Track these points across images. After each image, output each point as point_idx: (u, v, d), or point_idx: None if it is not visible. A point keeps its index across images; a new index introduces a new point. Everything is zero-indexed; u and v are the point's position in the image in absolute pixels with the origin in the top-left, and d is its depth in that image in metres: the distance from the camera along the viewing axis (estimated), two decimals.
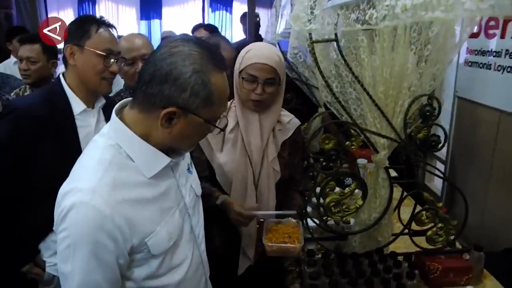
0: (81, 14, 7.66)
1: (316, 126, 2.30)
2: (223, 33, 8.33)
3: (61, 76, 1.84)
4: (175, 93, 1.06)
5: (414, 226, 1.87)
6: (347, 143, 2.30)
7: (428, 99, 1.69)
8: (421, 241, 1.87)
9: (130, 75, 2.24)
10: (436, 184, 3.48)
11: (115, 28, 1.89)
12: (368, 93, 1.57)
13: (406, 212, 1.89)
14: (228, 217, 1.81)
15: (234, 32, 8.74)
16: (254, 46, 1.86)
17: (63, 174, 1.13)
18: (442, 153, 3.19)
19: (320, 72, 1.57)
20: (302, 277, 1.79)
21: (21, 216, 1.76)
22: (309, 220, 1.85)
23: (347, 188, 1.81)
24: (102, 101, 1.90)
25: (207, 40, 2.70)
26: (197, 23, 4.33)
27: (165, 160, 1.16)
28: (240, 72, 1.82)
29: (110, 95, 2.17)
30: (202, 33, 3.98)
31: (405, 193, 1.86)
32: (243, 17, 6.04)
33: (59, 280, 1.11)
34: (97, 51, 1.76)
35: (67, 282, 1.07)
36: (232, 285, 1.96)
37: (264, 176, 1.91)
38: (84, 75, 1.78)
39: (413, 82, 1.61)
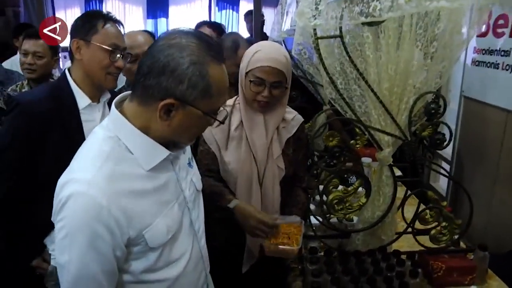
0: None
1: (321, 124, 2.29)
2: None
3: (66, 71, 1.84)
4: (173, 85, 1.06)
5: (418, 225, 1.86)
6: (352, 141, 2.30)
7: (434, 96, 1.67)
8: (425, 240, 1.86)
9: (132, 72, 2.24)
10: (441, 184, 3.46)
11: (122, 24, 1.89)
12: (372, 90, 1.56)
13: (410, 211, 1.88)
14: (240, 223, 1.77)
15: (241, 31, 8.73)
16: (262, 46, 1.82)
17: None
18: (448, 153, 3.18)
19: (325, 68, 1.56)
20: (305, 274, 1.78)
21: (28, 212, 1.76)
22: (312, 218, 1.84)
23: (350, 186, 1.80)
24: (107, 96, 1.90)
25: (225, 37, 2.71)
26: (198, 18, 4.32)
27: (164, 153, 1.16)
28: (247, 73, 1.80)
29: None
30: (206, 31, 3.97)
31: (409, 192, 1.85)
32: (247, 15, 6.04)
33: None
34: (103, 46, 1.76)
35: (64, 272, 1.07)
36: (234, 282, 1.95)
37: (269, 173, 1.90)
38: (90, 69, 1.79)
39: (419, 79, 1.59)
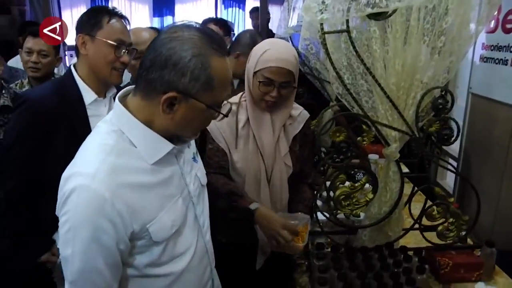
0: None
1: (328, 119, 2.28)
2: (235, 30, 8.33)
3: (72, 67, 1.85)
4: (175, 78, 1.05)
5: (425, 222, 1.85)
6: (359, 138, 2.29)
7: (441, 91, 1.66)
8: (432, 236, 1.85)
9: (137, 69, 2.25)
10: (448, 181, 3.45)
11: (127, 20, 1.89)
12: (379, 85, 1.56)
13: (417, 207, 1.88)
14: (261, 225, 1.74)
15: (247, 28, 8.74)
16: (271, 45, 1.79)
17: None
18: (455, 150, 3.16)
19: (332, 63, 1.56)
20: (311, 270, 1.78)
21: (36, 207, 1.77)
22: (319, 214, 1.83)
23: (357, 182, 1.79)
24: (113, 91, 1.90)
25: (242, 34, 2.71)
26: (205, 16, 4.32)
27: (167, 146, 1.15)
28: (255, 73, 1.78)
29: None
30: (212, 28, 3.97)
31: (416, 188, 1.84)
32: (253, 12, 6.03)
33: None
34: (108, 41, 1.76)
35: (67, 266, 1.07)
36: (241, 278, 1.95)
37: (277, 171, 1.90)
38: (95, 65, 1.79)
39: (426, 74, 1.58)
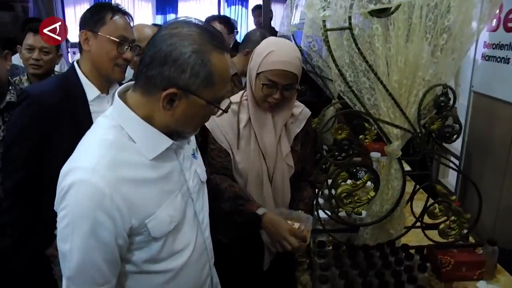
0: None
1: (330, 117, 2.28)
2: (238, 28, 8.33)
3: (75, 63, 1.85)
4: (175, 74, 1.05)
5: (426, 220, 1.85)
6: (361, 136, 2.29)
7: (443, 88, 1.66)
8: (434, 235, 1.85)
9: None
10: (450, 180, 3.45)
11: (131, 16, 1.89)
12: (382, 83, 1.55)
13: (418, 206, 1.87)
14: (267, 230, 1.74)
15: (250, 26, 8.73)
16: (275, 46, 1.76)
17: None
18: (457, 148, 3.16)
19: (334, 60, 1.55)
20: (313, 268, 1.78)
21: (39, 202, 1.78)
22: (320, 212, 1.83)
23: (359, 180, 1.79)
24: (116, 87, 1.90)
25: (253, 32, 2.70)
26: (208, 14, 4.29)
27: (167, 142, 1.16)
28: (258, 74, 1.76)
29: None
30: (216, 26, 3.96)
31: (417, 186, 1.84)
32: (255, 9, 6.02)
33: None
34: (111, 38, 1.76)
35: (66, 261, 1.07)
36: (243, 278, 1.95)
37: (279, 171, 1.89)
38: (98, 61, 1.79)
39: (428, 72, 1.58)
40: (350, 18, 1.43)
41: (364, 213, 1.91)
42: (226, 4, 9.03)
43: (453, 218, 1.81)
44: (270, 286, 2.00)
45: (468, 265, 1.78)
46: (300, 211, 1.86)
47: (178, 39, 1.06)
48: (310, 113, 1.99)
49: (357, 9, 1.28)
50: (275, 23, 5.72)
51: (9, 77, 2.51)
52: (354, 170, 2.48)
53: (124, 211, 1.06)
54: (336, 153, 1.83)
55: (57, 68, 3.08)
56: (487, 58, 2.82)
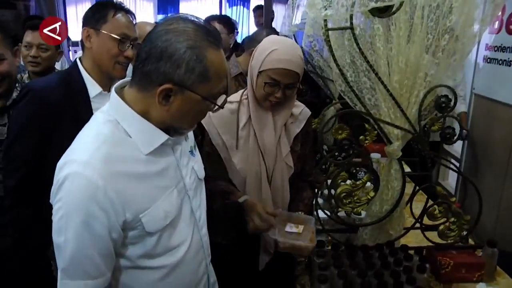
0: None
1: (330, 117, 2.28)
2: (240, 29, 8.33)
3: (77, 60, 1.85)
4: (171, 70, 1.06)
5: (426, 221, 1.85)
6: (361, 137, 2.29)
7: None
8: (433, 236, 1.84)
9: None
10: (450, 182, 3.45)
11: (133, 14, 1.89)
12: (382, 83, 1.55)
13: (418, 207, 1.87)
14: (248, 219, 1.72)
15: (251, 27, 8.73)
16: (278, 45, 1.74)
17: None
18: (458, 150, 3.16)
19: (335, 60, 1.55)
20: (311, 267, 1.77)
21: (40, 201, 1.77)
22: (320, 212, 1.83)
23: (359, 181, 1.79)
24: None
25: (259, 31, 2.70)
26: (209, 14, 4.28)
27: (162, 137, 1.16)
28: (260, 72, 1.75)
29: None
30: (216, 26, 3.96)
31: (417, 187, 1.84)
32: (256, 9, 6.01)
33: None
34: (113, 35, 1.76)
35: (60, 253, 1.08)
36: (242, 278, 1.95)
37: (278, 171, 1.88)
38: (99, 58, 1.79)
39: (429, 73, 1.58)
40: (351, 17, 1.43)
41: (363, 213, 1.91)
42: (227, 4, 9.03)
43: (452, 219, 1.80)
44: (269, 285, 1.99)
45: (468, 266, 1.78)
46: (299, 212, 1.85)
47: (173, 35, 1.07)
48: (310, 113, 1.98)
49: (358, 7, 1.28)
50: (277, 24, 5.72)
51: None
52: (354, 171, 2.49)
53: (117, 205, 1.06)
54: (336, 153, 1.82)
55: (57, 65, 3.07)
56: (488, 60, 2.82)
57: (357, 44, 1.50)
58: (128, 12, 1.85)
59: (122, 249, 1.15)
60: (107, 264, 1.11)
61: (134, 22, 1.89)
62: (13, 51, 2.00)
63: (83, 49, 1.85)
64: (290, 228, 1.74)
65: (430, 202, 1.82)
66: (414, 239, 1.95)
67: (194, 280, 1.34)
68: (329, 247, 1.82)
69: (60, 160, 1.10)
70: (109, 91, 1.87)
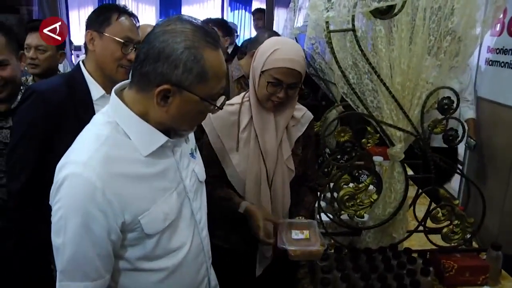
0: None
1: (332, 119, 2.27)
2: (241, 32, 8.35)
3: (80, 62, 1.85)
4: (168, 70, 1.06)
5: (429, 224, 1.84)
6: (363, 140, 2.28)
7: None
8: (437, 239, 1.84)
9: None
10: (453, 185, 3.44)
11: (136, 18, 1.89)
12: (385, 84, 1.55)
13: (421, 210, 1.86)
14: (250, 226, 1.73)
15: (253, 30, 8.74)
16: (280, 44, 1.73)
17: None
18: (460, 153, 3.15)
19: (337, 62, 1.55)
20: (314, 271, 1.76)
21: (42, 202, 1.76)
22: (322, 215, 1.82)
23: (361, 183, 1.78)
24: None
25: (261, 33, 2.70)
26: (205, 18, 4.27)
27: (162, 139, 1.16)
28: (262, 72, 1.73)
29: None
30: None
31: (420, 190, 1.83)
32: (255, 12, 6.00)
33: None
34: (116, 38, 1.76)
35: (59, 255, 1.08)
36: (244, 279, 1.94)
37: (279, 175, 1.86)
38: (102, 61, 1.79)
39: (432, 74, 1.58)
40: (353, 19, 1.42)
41: (366, 216, 1.90)
42: (229, 8, 9.06)
43: (456, 222, 1.80)
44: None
45: (472, 270, 1.77)
46: (299, 217, 1.83)
47: (171, 36, 1.06)
48: (312, 116, 1.96)
49: (360, 7, 1.28)
50: (278, 27, 5.71)
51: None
52: (357, 174, 2.48)
53: (116, 206, 1.06)
54: (339, 156, 1.82)
55: (60, 68, 3.06)
56: (490, 63, 2.82)
57: (359, 46, 1.50)
58: (131, 15, 1.85)
59: (121, 251, 1.14)
60: (106, 266, 1.11)
61: (138, 25, 1.89)
62: (18, 55, 2.00)
63: (86, 52, 1.85)
64: (296, 235, 1.70)
65: (434, 205, 1.81)
66: (417, 242, 1.94)
67: (195, 283, 1.33)
68: (332, 250, 1.81)
69: (60, 161, 1.10)
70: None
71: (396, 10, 1.44)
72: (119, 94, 1.17)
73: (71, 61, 5.37)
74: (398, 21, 1.51)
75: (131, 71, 1.16)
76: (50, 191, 1.11)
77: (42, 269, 1.89)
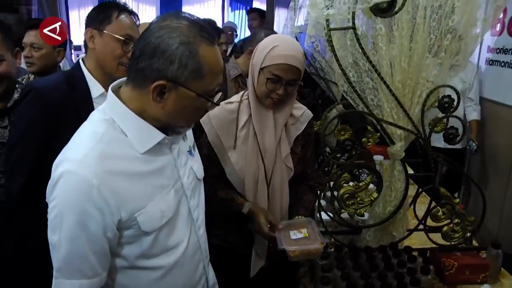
0: None
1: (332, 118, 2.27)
2: (242, 32, 8.34)
3: (80, 60, 1.85)
4: (164, 66, 1.06)
5: (429, 223, 1.84)
6: (363, 139, 2.28)
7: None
8: (437, 237, 1.84)
9: None
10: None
11: (137, 16, 1.89)
12: (385, 83, 1.55)
13: (421, 209, 1.86)
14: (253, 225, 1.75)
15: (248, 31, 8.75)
16: (279, 41, 1.74)
17: None
18: None
19: (337, 60, 1.55)
20: (314, 269, 1.76)
21: (41, 202, 1.75)
22: (323, 213, 1.82)
23: (362, 182, 1.78)
24: None
25: (258, 31, 2.69)
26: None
27: (158, 136, 1.16)
28: (261, 69, 1.73)
29: None
30: None
31: (420, 189, 1.83)
32: (250, 12, 5.93)
33: None
34: (116, 36, 1.76)
35: (55, 252, 1.07)
36: (243, 277, 1.94)
37: (277, 173, 1.85)
38: (102, 59, 1.79)
39: (432, 73, 1.58)
40: (353, 17, 1.42)
41: (366, 215, 1.90)
42: (230, 8, 9.05)
43: (456, 220, 1.80)
44: (271, 286, 1.98)
45: (472, 268, 1.77)
46: (298, 216, 1.83)
47: (166, 31, 1.06)
48: (311, 115, 1.96)
49: (360, 3, 1.28)
50: (278, 27, 5.69)
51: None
52: (357, 172, 2.48)
53: (112, 204, 1.06)
54: (339, 155, 1.81)
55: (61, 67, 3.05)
56: (491, 62, 2.82)
57: (360, 44, 1.50)
58: (131, 13, 1.85)
59: (118, 249, 1.14)
60: (102, 264, 1.11)
61: (138, 24, 1.89)
62: (13, 52, 1.99)
63: (86, 50, 1.85)
64: (294, 235, 1.70)
65: (434, 204, 1.81)
66: (417, 240, 1.94)
67: (192, 281, 1.33)
68: (332, 249, 1.81)
69: (56, 159, 1.10)
70: None
71: (396, 8, 1.44)
72: (116, 91, 1.18)
73: (71, 60, 5.36)
74: (399, 19, 1.51)
75: (128, 68, 1.16)
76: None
77: (42, 269, 1.88)
